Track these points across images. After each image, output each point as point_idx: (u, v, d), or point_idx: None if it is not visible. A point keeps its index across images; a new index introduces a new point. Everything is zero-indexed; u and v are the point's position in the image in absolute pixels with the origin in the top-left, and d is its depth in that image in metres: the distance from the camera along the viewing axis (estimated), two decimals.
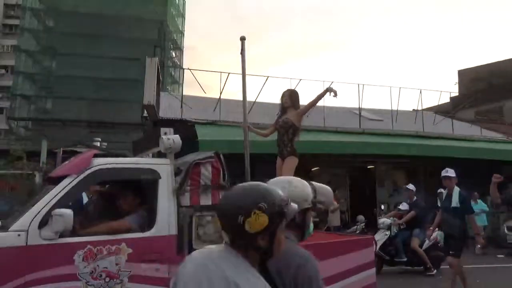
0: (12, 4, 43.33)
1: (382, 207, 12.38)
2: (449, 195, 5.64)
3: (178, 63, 30.51)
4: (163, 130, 3.65)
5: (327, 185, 2.27)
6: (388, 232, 7.83)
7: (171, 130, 3.67)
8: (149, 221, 3.35)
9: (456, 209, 5.51)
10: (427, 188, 11.91)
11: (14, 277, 2.76)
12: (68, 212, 2.88)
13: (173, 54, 29.72)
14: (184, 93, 15.62)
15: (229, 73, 11.76)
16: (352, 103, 15.04)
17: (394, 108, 13.69)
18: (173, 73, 29.12)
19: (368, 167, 14.14)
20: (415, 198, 8.03)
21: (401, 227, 7.91)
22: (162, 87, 25.97)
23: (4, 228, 2.93)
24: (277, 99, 4.96)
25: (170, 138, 3.54)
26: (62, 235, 2.94)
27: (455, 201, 5.53)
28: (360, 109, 13.48)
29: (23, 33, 26.37)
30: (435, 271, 7.52)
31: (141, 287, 3.12)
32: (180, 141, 3.54)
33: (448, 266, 6.04)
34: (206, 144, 9.82)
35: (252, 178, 3.75)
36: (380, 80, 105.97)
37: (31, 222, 2.89)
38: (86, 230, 3.19)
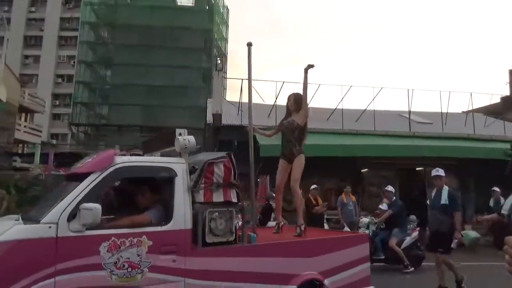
0: (67, 17, 46.49)
1: None
2: (438, 193, 5.84)
3: (222, 69, 31.74)
4: (178, 131, 3.74)
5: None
6: (367, 231, 8.07)
7: (185, 131, 3.74)
8: (166, 216, 3.50)
9: (445, 206, 5.67)
10: (478, 190, 12.08)
11: (46, 266, 2.89)
12: (97, 206, 3.02)
13: (218, 60, 30.96)
14: (227, 98, 16.57)
15: (283, 82, 12.52)
16: (402, 107, 15.32)
17: (444, 110, 13.90)
18: (218, 77, 30.37)
19: (418, 169, 14.42)
20: (394, 198, 8.37)
21: (381, 226, 8.18)
22: (210, 92, 27.23)
23: (32, 220, 3.06)
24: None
25: (186, 138, 3.68)
26: (88, 227, 3.07)
27: (444, 199, 5.71)
28: (409, 112, 13.81)
29: (82, 45, 28.43)
30: (412, 268, 7.70)
31: (159, 277, 3.28)
32: (195, 142, 3.69)
33: (428, 263, 6.29)
34: (266, 148, 10.55)
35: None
36: (429, 83, 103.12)
37: (60, 215, 3.01)
38: (111, 223, 3.33)
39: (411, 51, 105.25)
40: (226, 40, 31.61)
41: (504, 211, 4.50)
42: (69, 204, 3.06)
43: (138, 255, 3.19)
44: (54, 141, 41.10)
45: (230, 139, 12.17)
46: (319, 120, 12.95)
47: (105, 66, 28.91)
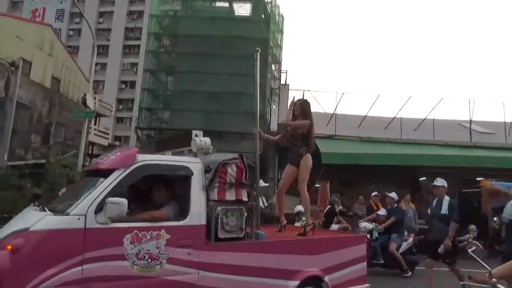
0: (131, 27, 49.86)
1: (495, 218, 12.54)
2: (439, 203, 5.94)
3: (277, 76, 32.62)
4: (194, 132, 3.96)
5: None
6: (368, 236, 8.16)
7: (201, 132, 3.94)
8: (181, 212, 3.68)
9: (445, 216, 5.79)
10: None
11: (75, 255, 3.08)
12: (124, 200, 3.20)
13: (273, 67, 31.88)
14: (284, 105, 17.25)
15: (343, 93, 13.09)
16: (462, 116, 15.23)
17: (508, 120, 13.70)
18: (273, 85, 31.27)
19: (478, 179, 14.29)
20: (395, 205, 8.48)
21: (379, 231, 8.39)
22: (264, 98, 28.17)
23: (60, 212, 3.26)
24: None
25: (202, 140, 3.91)
26: (113, 220, 3.25)
27: (444, 209, 5.82)
28: (470, 122, 13.77)
29: (148, 55, 30.57)
30: (410, 273, 7.89)
31: (176, 268, 3.48)
32: (210, 143, 3.96)
33: (423, 267, 6.37)
34: (327, 156, 11.21)
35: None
36: (491, 92, 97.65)
37: (88, 208, 3.19)
38: (132, 216, 3.51)
39: (472, 60, 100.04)
40: (281, 47, 32.43)
41: (508, 216, 4.69)
42: (96, 198, 3.24)
43: (157, 248, 3.40)
44: (117, 143, 44.27)
45: None
46: (378, 129, 13.34)
47: (167, 73, 30.83)
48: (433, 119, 13.20)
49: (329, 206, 9.95)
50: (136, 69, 47.81)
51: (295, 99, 5.35)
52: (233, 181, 3.94)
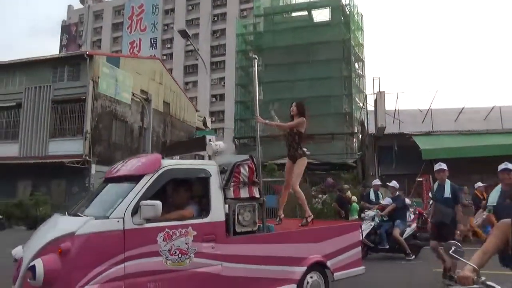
0: (215, 45, 53.88)
1: None
2: (441, 187, 5.96)
3: (361, 73, 33.10)
4: (208, 137, 4.23)
5: None
6: (372, 223, 8.43)
7: (214, 137, 4.26)
8: (204, 210, 3.95)
9: (448, 199, 5.80)
10: None
11: (117, 254, 3.33)
12: (158, 203, 3.42)
13: (357, 66, 32.45)
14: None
15: (437, 91, 13.69)
16: None
17: None
18: (358, 83, 31.88)
19: None
20: (397, 193, 8.70)
21: (384, 219, 8.53)
22: (352, 99, 28.98)
23: (98, 216, 3.44)
24: None
25: (217, 144, 4.16)
26: (147, 221, 3.47)
27: (447, 192, 5.82)
28: None
29: (237, 71, 33.38)
30: (413, 256, 8.13)
31: (202, 261, 3.75)
32: (224, 146, 4.25)
33: (429, 250, 6.51)
34: (427, 152, 11.96)
35: None
36: None
37: (125, 211, 3.42)
38: (163, 216, 3.63)
39: None
40: (362, 45, 32.87)
41: (491, 203, 4.67)
42: (131, 201, 3.48)
43: (186, 243, 3.66)
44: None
45: (389, 145, 13.88)
46: (476, 121, 13.63)
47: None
48: None
49: (339, 193, 11.00)
50: (224, 83, 51.57)
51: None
52: (246, 180, 4.25)
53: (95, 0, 64.68)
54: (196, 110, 31.70)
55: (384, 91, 12.20)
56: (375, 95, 13.37)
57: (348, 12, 30.66)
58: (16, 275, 3.40)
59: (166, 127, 26.52)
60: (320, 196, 13.82)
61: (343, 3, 30.65)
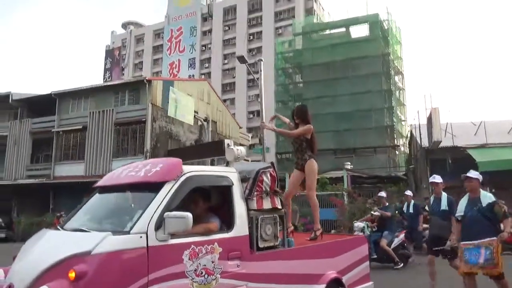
0: (251, 63, 55.49)
1: None
2: (437, 199, 5.95)
3: (401, 86, 33.34)
4: (226, 141, 3.80)
5: None
6: (361, 234, 8.50)
7: (232, 141, 3.84)
8: (227, 223, 3.50)
9: (444, 212, 5.76)
10: None
11: (141, 276, 2.77)
12: (189, 215, 2.93)
13: (396, 79, 32.79)
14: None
15: (487, 103, 14.01)
16: None
17: None
18: (398, 96, 32.13)
19: None
20: (386, 204, 9.04)
21: (373, 229, 8.93)
22: (392, 112, 29.21)
23: (113, 231, 2.91)
24: None
25: (238, 149, 3.75)
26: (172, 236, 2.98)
27: (443, 205, 5.81)
28: None
29: (278, 88, 34.49)
30: (401, 264, 8.50)
31: (228, 282, 3.26)
32: (245, 152, 3.84)
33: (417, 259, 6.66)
34: (484, 165, 12.32)
35: None
36: None
37: (148, 225, 2.91)
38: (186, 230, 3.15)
39: None
40: (401, 58, 33.21)
41: (459, 212, 4.85)
42: (154, 213, 2.98)
43: (212, 262, 3.19)
44: None
45: (440, 158, 14.28)
46: (500, 134, 13.84)
47: (296, 101, 34.21)
48: None
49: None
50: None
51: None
52: (268, 189, 3.88)
53: (136, 25, 68.38)
54: (240, 127, 32.91)
55: (438, 107, 12.72)
56: (428, 111, 13.88)
57: (386, 28, 31.21)
58: None
59: None
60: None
61: (381, 18, 31.26)
